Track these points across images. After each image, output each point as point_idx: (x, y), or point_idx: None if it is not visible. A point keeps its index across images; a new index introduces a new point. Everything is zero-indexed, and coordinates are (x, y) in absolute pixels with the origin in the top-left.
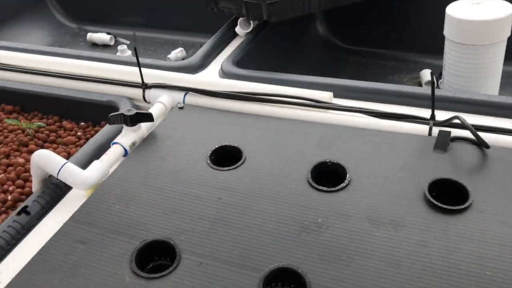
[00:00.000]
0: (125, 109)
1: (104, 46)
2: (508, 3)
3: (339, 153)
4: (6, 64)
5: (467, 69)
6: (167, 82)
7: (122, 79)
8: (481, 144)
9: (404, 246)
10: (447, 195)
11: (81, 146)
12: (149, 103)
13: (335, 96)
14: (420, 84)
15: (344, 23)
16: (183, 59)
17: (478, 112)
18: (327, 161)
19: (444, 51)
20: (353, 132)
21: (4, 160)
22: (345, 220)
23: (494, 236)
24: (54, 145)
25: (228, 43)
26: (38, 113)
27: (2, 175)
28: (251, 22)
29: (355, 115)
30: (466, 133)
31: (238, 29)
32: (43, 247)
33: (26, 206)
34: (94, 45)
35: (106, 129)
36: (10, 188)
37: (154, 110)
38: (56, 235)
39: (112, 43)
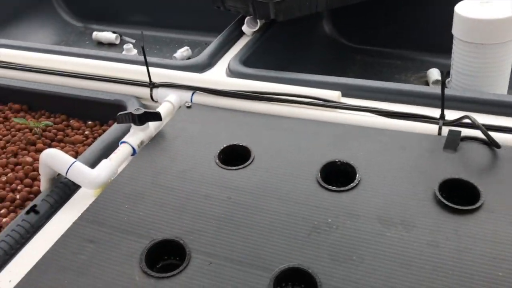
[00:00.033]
0: (133, 108)
1: (110, 45)
2: None
3: (348, 153)
4: (12, 63)
5: (475, 68)
6: (174, 81)
7: (129, 78)
8: (491, 144)
9: (415, 246)
10: (458, 195)
11: (88, 145)
12: (156, 102)
13: (343, 95)
14: (427, 83)
15: (351, 22)
16: (189, 58)
17: (487, 111)
18: (337, 160)
19: (452, 50)
20: (362, 131)
21: (12, 159)
22: (355, 220)
23: (506, 236)
24: (62, 144)
25: (235, 42)
26: (45, 112)
27: (10, 174)
28: (258, 21)
29: (364, 115)
30: (476, 133)
31: (245, 28)
32: (52, 246)
33: (35, 205)
34: (100, 44)
35: (114, 128)
36: (19, 187)
37: (162, 109)
38: (65, 234)
39: (117, 42)
